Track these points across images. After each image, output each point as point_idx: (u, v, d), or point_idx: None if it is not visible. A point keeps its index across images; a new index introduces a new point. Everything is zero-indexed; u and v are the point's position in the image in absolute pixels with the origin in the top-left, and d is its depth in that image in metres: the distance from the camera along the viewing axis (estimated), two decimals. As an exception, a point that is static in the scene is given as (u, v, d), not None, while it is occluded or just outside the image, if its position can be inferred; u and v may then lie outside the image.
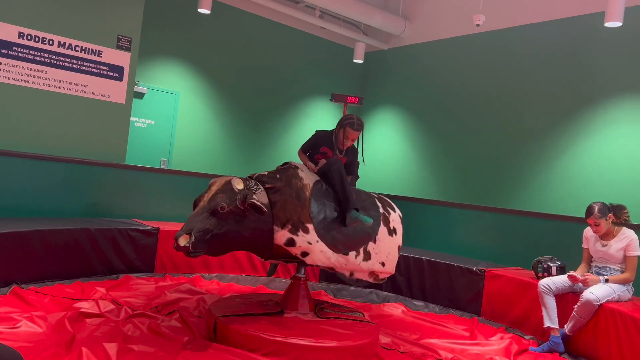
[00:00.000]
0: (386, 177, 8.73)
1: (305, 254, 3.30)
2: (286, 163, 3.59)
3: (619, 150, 5.96)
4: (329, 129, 3.94)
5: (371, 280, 3.73)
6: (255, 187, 3.21)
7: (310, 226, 3.26)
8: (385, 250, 3.70)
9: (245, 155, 8.28)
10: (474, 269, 4.89)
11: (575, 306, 3.88)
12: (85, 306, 3.56)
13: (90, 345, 2.84)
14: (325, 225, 3.33)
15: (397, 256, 3.80)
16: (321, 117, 9.02)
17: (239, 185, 3.11)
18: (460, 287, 4.95)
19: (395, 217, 3.89)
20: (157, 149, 7.51)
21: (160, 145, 7.54)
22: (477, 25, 6.30)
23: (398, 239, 3.83)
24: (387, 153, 8.85)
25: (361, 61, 8.66)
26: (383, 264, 3.69)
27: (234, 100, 8.11)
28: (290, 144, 8.71)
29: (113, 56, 5.76)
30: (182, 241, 2.91)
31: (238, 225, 3.08)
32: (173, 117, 7.61)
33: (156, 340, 3.14)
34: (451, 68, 7.93)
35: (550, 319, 3.99)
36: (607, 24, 5.49)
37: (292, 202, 3.26)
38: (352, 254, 3.53)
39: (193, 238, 2.92)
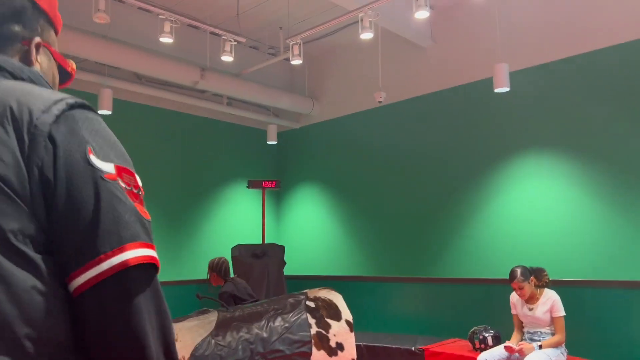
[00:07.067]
0: (314, 258, 8.57)
1: None
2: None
3: (528, 207, 6.20)
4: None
5: None
6: None
7: None
8: None
9: (165, 248, 7.85)
10: (413, 348, 4.76)
11: (516, 378, 3.83)
12: None
13: None
14: None
15: None
16: (241, 201, 8.83)
17: None
18: (401, 370, 4.78)
19: (340, 329, 3.22)
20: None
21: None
22: (380, 102, 6.53)
23: (347, 353, 3.13)
24: (312, 232, 8.74)
25: (275, 142, 8.70)
26: None
27: (147, 194, 7.76)
28: (212, 233, 8.40)
29: None
30: None
31: None
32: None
33: None
34: (362, 140, 8.12)
35: (494, 395, 3.91)
36: (496, 90, 5.86)
37: None
38: None
39: None
